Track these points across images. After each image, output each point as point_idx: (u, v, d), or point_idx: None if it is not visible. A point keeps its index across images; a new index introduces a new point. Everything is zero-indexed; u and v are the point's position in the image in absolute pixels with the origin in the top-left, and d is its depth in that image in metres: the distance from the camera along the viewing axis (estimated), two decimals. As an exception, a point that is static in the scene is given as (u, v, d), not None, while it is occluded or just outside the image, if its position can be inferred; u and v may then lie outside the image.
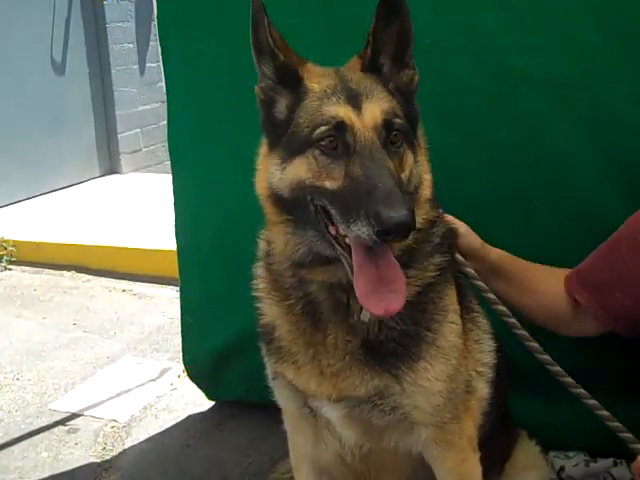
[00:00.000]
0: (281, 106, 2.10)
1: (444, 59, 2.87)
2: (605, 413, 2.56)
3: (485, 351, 2.43)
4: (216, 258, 3.61)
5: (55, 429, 4.03)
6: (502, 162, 2.93)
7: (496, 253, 2.69)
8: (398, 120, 2.01)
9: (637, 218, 2.53)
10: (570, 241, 2.85)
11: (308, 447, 2.46)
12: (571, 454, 3.06)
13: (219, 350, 3.75)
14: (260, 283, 2.35)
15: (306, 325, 2.19)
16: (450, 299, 2.24)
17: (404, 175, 2.00)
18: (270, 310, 2.31)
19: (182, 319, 3.99)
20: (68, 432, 4.00)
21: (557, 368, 2.59)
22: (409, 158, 2.03)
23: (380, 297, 1.93)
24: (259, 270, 2.36)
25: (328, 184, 1.94)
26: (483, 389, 2.40)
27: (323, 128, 1.98)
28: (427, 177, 2.14)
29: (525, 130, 2.88)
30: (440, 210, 2.30)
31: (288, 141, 2.05)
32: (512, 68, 2.82)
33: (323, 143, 1.98)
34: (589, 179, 2.85)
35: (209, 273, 3.69)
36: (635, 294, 2.48)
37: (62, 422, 4.10)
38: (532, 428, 2.88)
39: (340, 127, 1.97)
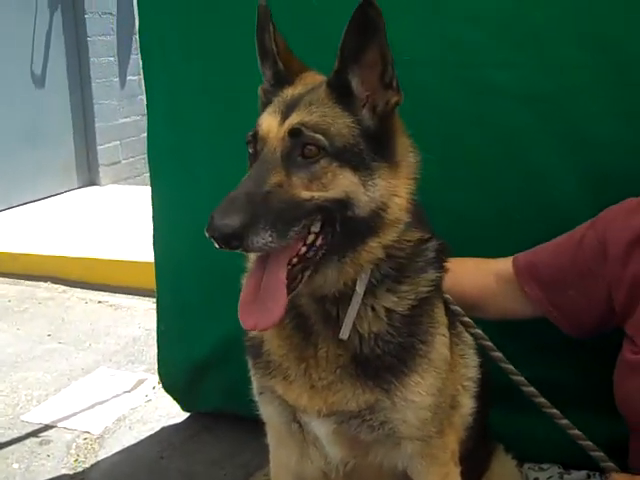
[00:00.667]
0: None
1: (425, 74, 2.87)
2: (577, 432, 2.57)
3: (470, 366, 2.42)
4: (193, 268, 3.60)
5: (27, 441, 3.97)
6: (483, 176, 2.93)
7: None
8: (316, 135, 1.91)
9: (601, 220, 2.55)
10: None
11: (292, 462, 2.42)
12: (545, 466, 3.06)
13: (194, 360, 3.73)
14: None
15: (298, 339, 2.15)
16: (440, 312, 2.23)
17: (327, 193, 1.90)
18: None
19: (158, 328, 3.97)
20: (40, 444, 3.94)
21: (531, 389, 2.60)
22: (341, 177, 1.92)
23: (254, 310, 1.91)
24: None
25: None
26: (468, 404, 2.39)
27: (249, 134, 2.02)
28: (397, 201, 2.01)
29: (506, 144, 2.89)
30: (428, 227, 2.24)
31: None
32: (493, 84, 2.83)
33: (249, 149, 2.02)
34: (569, 192, 2.86)
35: (185, 283, 3.68)
36: (590, 294, 2.51)
37: (34, 434, 4.04)
38: (507, 441, 2.88)
39: (255, 135, 1.99)
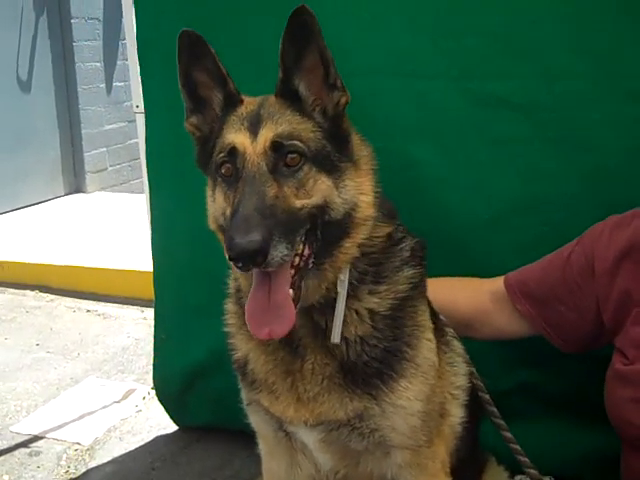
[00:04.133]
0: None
1: (426, 84, 2.97)
2: (508, 435, 2.61)
3: (459, 374, 2.44)
4: (191, 275, 3.60)
5: (17, 452, 3.95)
6: (481, 181, 3.00)
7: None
8: (295, 142, 1.97)
9: (588, 236, 2.60)
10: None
11: (282, 471, 2.44)
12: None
13: (189, 369, 3.72)
14: (230, 318, 2.35)
15: (284, 353, 2.17)
16: (425, 315, 2.25)
17: (311, 200, 1.95)
18: (242, 345, 2.30)
19: (155, 336, 3.94)
20: (30, 455, 3.92)
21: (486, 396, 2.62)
22: (319, 182, 1.98)
23: (266, 320, 1.93)
24: (229, 305, 2.36)
25: (227, 211, 1.97)
26: (457, 413, 2.40)
27: (221, 155, 2.03)
28: (365, 199, 2.07)
29: (504, 151, 2.96)
30: (398, 224, 2.26)
31: (211, 171, 2.09)
32: (492, 93, 2.92)
33: (222, 170, 2.03)
34: (565, 197, 2.93)
35: (184, 290, 3.67)
36: (580, 310, 2.55)
37: (24, 445, 4.02)
38: (499, 453, 2.89)
39: (232, 153, 1.99)
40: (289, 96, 2.05)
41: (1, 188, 8.37)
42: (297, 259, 1.95)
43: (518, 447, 2.59)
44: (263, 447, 2.50)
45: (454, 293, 2.80)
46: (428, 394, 2.19)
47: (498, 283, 2.76)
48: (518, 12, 2.85)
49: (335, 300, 2.08)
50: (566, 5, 2.80)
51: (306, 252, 1.97)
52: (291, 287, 1.94)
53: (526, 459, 2.59)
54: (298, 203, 1.94)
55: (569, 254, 2.61)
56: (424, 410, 2.18)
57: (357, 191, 2.04)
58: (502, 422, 2.61)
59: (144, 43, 3.53)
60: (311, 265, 2.00)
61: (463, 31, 2.91)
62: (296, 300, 1.95)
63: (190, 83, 2.16)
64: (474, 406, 2.48)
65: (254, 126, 2.00)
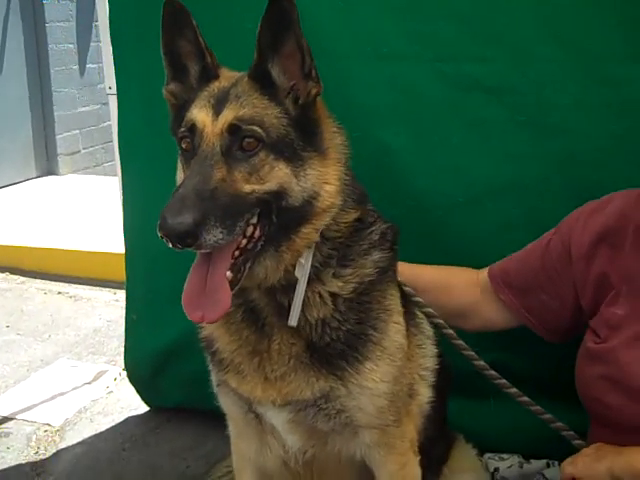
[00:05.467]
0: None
1: (401, 66, 2.99)
2: (548, 416, 2.68)
3: (427, 356, 2.46)
4: (164, 256, 3.56)
5: (-14, 433, 3.94)
6: (455, 165, 3.03)
7: (412, 269, 2.71)
8: (253, 127, 1.95)
9: (565, 224, 2.64)
10: (514, 242, 2.96)
11: (252, 452, 2.45)
12: (505, 456, 3.10)
13: (160, 351, 3.72)
14: None
15: (249, 333, 2.17)
16: (394, 300, 2.26)
17: (264, 186, 1.94)
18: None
19: (126, 317, 3.94)
20: (0, 436, 3.91)
21: (492, 372, 2.70)
22: (276, 169, 1.96)
23: (200, 304, 1.94)
24: None
25: None
26: (425, 393, 2.43)
27: (182, 129, 2.04)
28: (328, 188, 2.05)
29: (477, 134, 2.99)
30: (369, 209, 2.26)
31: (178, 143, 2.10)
32: (466, 76, 2.94)
33: (183, 145, 2.04)
34: (538, 181, 2.97)
35: (156, 271, 3.65)
36: (560, 296, 2.59)
37: (-7, 426, 4.01)
38: (468, 431, 2.93)
39: (192, 129, 2.00)
40: (261, 79, 2.04)
41: (-28, 170, 8.29)
42: (244, 241, 1.96)
43: (549, 415, 2.70)
44: (233, 429, 2.52)
45: (449, 283, 2.84)
46: (396, 375, 2.21)
47: (485, 274, 2.79)
48: (492, -4, 2.88)
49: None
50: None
51: (256, 234, 1.97)
52: (230, 269, 1.94)
53: (560, 424, 2.70)
54: (247, 188, 1.93)
55: (548, 242, 2.65)
56: (391, 391, 2.20)
57: (320, 180, 2.03)
58: (515, 390, 2.70)
59: (116, 25, 3.49)
60: (259, 247, 1.99)
61: (437, 14, 2.92)
62: (235, 282, 1.95)
63: (172, 51, 2.16)
64: (442, 386, 2.51)
65: (219, 105, 2.00)
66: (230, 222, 1.86)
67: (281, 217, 1.99)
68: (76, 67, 9.50)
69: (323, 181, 2.04)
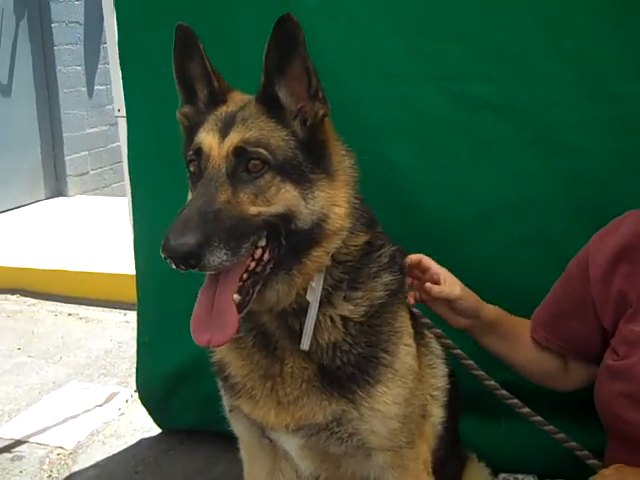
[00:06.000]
0: None
1: (408, 85, 3.01)
2: (561, 435, 2.64)
3: (438, 376, 2.45)
4: (174, 278, 3.56)
5: (-1, 456, 3.94)
6: (464, 183, 3.04)
7: (489, 309, 2.71)
8: (259, 150, 1.96)
9: (585, 247, 2.62)
10: (523, 260, 2.97)
11: (264, 477, 2.44)
12: (520, 476, 3.08)
13: (172, 372, 3.72)
14: None
15: (260, 357, 2.17)
16: (404, 322, 2.25)
17: (270, 208, 1.94)
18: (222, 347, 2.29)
19: (138, 339, 3.94)
20: (12, 460, 3.90)
21: (503, 392, 2.67)
22: (283, 191, 1.96)
23: (207, 327, 1.93)
24: None
25: None
26: (438, 413, 2.42)
27: (190, 152, 2.05)
28: (338, 210, 2.05)
29: (485, 152, 3.01)
30: (378, 232, 2.26)
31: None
32: (473, 95, 2.96)
33: (191, 168, 2.06)
34: (546, 198, 2.98)
35: (167, 293, 3.65)
36: (586, 319, 2.57)
37: (6, 449, 4.00)
38: (481, 451, 2.92)
39: (198, 153, 2.01)
40: (268, 102, 2.05)
41: (-18, 192, 8.32)
42: (253, 264, 1.96)
43: (563, 435, 2.65)
44: (244, 453, 2.51)
45: (515, 332, 2.79)
46: (407, 397, 2.20)
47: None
48: (498, 15, 2.89)
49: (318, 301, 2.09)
50: (545, 8, 2.84)
51: (265, 257, 1.98)
52: (238, 292, 1.94)
53: (574, 444, 2.64)
54: (253, 210, 1.93)
55: (569, 268, 2.66)
56: (403, 413, 2.19)
57: (329, 202, 2.03)
58: (527, 410, 2.66)
59: (125, 47, 3.53)
60: (268, 270, 1.99)
61: (443, 33, 2.95)
62: (243, 305, 1.95)
63: (184, 75, 2.19)
64: (453, 405, 2.50)
65: (226, 128, 2.01)
66: (234, 244, 1.86)
67: (290, 240, 1.99)
68: (84, 89, 9.55)
69: (332, 203, 2.04)
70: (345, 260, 2.12)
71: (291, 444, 2.24)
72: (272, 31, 1.94)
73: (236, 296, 1.94)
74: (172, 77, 3.35)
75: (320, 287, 2.08)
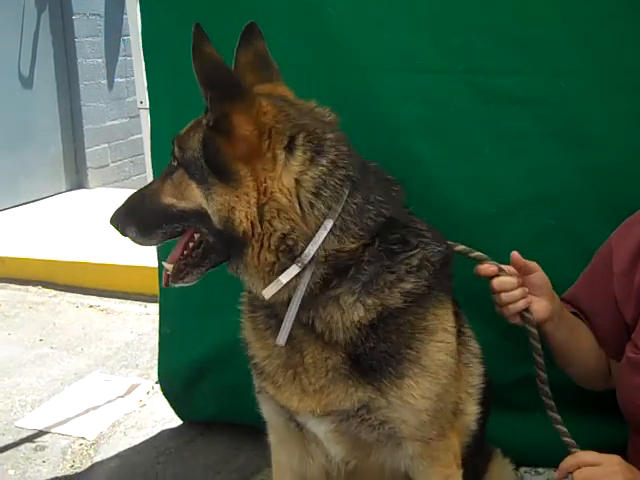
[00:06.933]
0: None
1: (431, 79, 3.00)
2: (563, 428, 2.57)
3: (474, 374, 2.43)
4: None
5: (22, 446, 3.96)
6: (487, 176, 3.03)
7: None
8: (174, 147, 2.13)
9: (607, 243, 2.61)
10: (547, 254, 2.94)
11: (294, 462, 2.44)
12: (541, 470, 3.09)
13: (193, 364, 3.72)
14: (244, 297, 2.38)
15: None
16: (437, 320, 2.18)
17: (182, 202, 2.09)
18: (245, 325, 2.34)
19: (160, 330, 3.94)
20: (35, 450, 3.94)
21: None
22: (190, 188, 2.06)
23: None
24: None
25: None
26: (473, 411, 2.42)
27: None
28: (239, 215, 2.00)
29: (508, 145, 3.00)
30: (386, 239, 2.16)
31: None
32: (497, 88, 2.95)
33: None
34: (569, 193, 2.96)
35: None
36: (614, 314, 2.55)
37: (29, 439, 4.03)
38: (504, 444, 2.91)
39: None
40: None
41: (3, 184, 8.34)
42: (185, 252, 2.18)
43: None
44: (273, 437, 2.50)
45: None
46: (439, 392, 2.18)
47: None
48: (522, 8, 2.87)
49: (301, 299, 2.06)
50: (570, 2, 2.83)
51: (191, 245, 2.15)
52: (170, 262, 2.19)
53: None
54: (167, 200, 2.11)
55: (593, 261, 2.66)
56: (433, 408, 2.17)
57: (226, 207, 2.01)
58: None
59: (149, 39, 3.53)
60: (197, 260, 2.15)
61: (468, 26, 2.93)
62: (173, 279, 2.21)
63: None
64: (486, 402, 2.49)
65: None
66: (145, 226, 2.18)
67: (216, 236, 2.06)
68: (105, 81, 9.57)
69: (230, 208, 2.01)
70: (334, 263, 2.05)
71: (319, 428, 2.23)
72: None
73: (168, 265, 2.19)
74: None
75: (303, 286, 2.03)
